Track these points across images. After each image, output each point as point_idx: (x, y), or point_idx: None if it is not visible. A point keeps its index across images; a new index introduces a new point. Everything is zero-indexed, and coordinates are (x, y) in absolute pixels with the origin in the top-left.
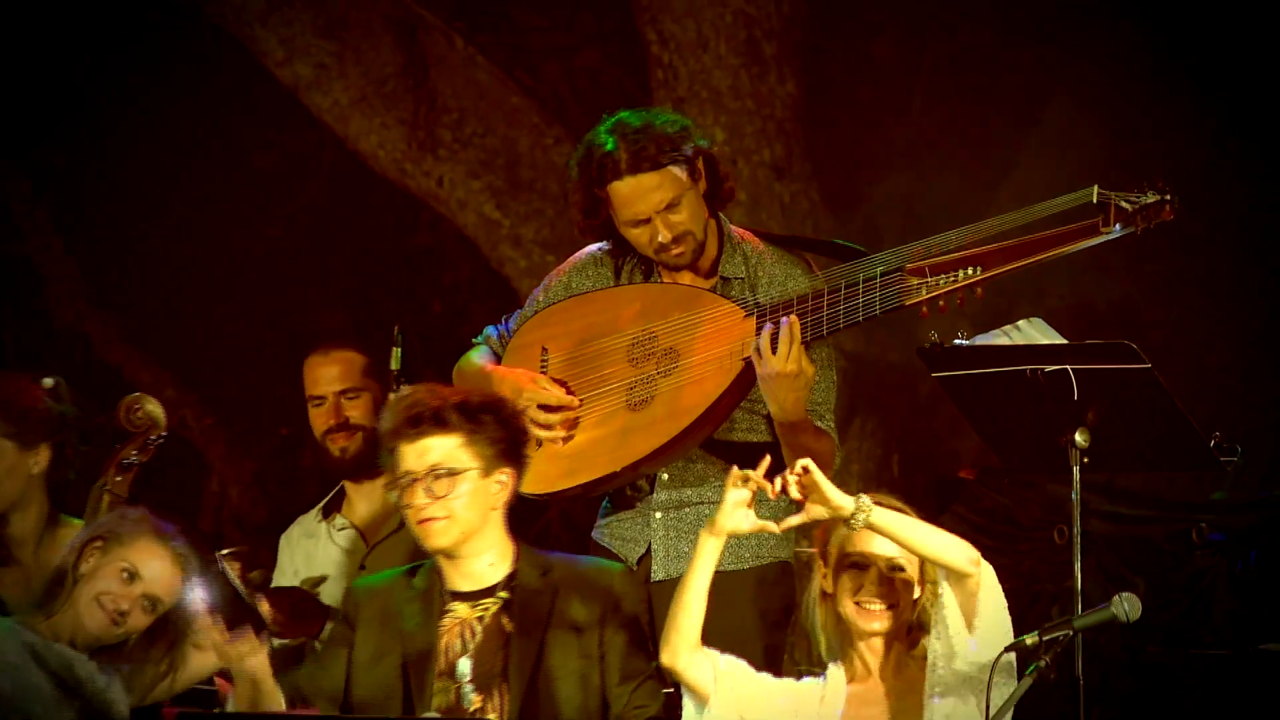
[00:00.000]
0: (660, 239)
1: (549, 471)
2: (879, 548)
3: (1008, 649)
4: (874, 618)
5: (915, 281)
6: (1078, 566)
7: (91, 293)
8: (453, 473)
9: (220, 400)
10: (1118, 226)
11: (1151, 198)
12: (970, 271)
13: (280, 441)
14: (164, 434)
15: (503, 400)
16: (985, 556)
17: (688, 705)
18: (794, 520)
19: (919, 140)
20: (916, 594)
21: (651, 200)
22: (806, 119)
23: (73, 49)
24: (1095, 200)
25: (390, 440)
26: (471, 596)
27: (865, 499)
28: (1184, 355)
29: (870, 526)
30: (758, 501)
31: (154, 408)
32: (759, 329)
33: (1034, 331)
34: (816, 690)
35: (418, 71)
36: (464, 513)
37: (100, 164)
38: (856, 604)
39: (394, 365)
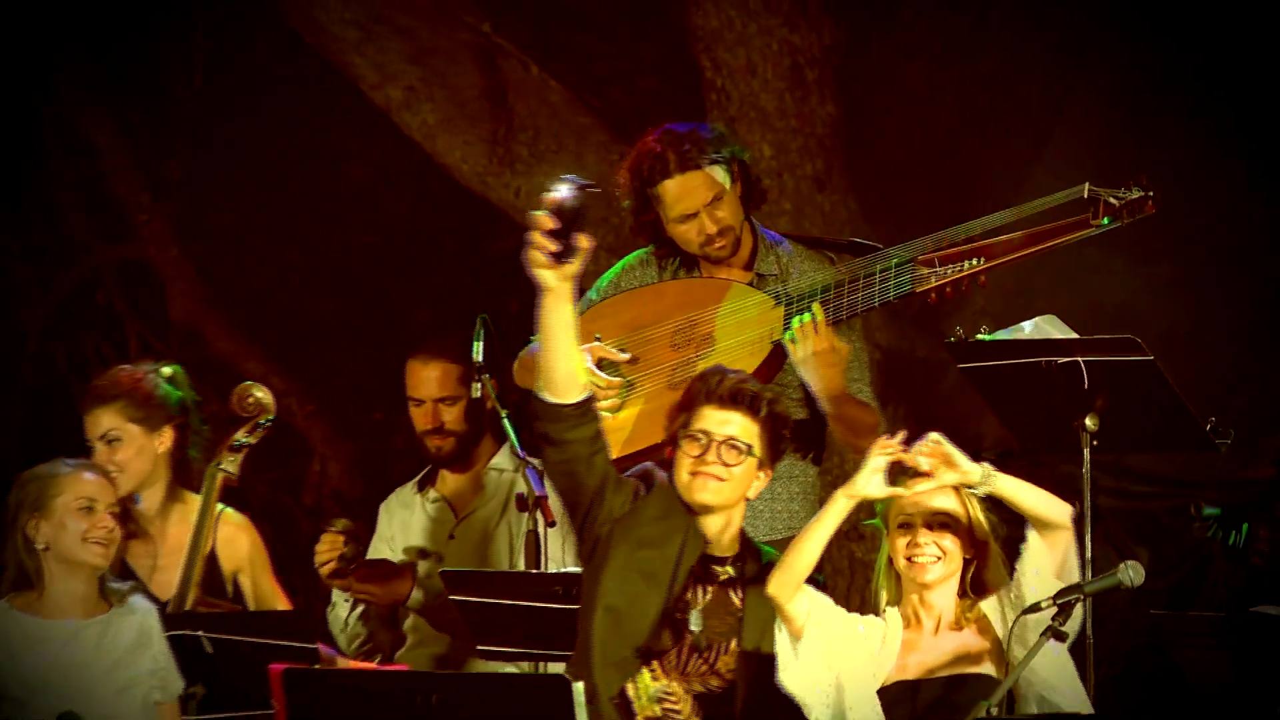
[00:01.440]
0: (707, 231)
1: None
2: (924, 508)
3: (1024, 612)
4: (924, 570)
5: (925, 271)
6: (1088, 537)
7: (206, 293)
8: (742, 451)
9: (322, 388)
10: (1106, 219)
11: (1135, 193)
12: (975, 262)
13: (375, 425)
14: (272, 418)
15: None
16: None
17: (782, 641)
18: (925, 485)
19: (945, 155)
20: (968, 554)
21: (698, 197)
22: (845, 136)
23: (187, 73)
24: (1086, 195)
25: (701, 399)
26: (712, 560)
27: (989, 466)
28: (1182, 348)
29: (993, 491)
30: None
31: (263, 395)
32: (787, 317)
33: (1048, 327)
34: (880, 629)
35: (497, 94)
36: (734, 487)
37: (213, 177)
38: (908, 559)
39: (475, 357)
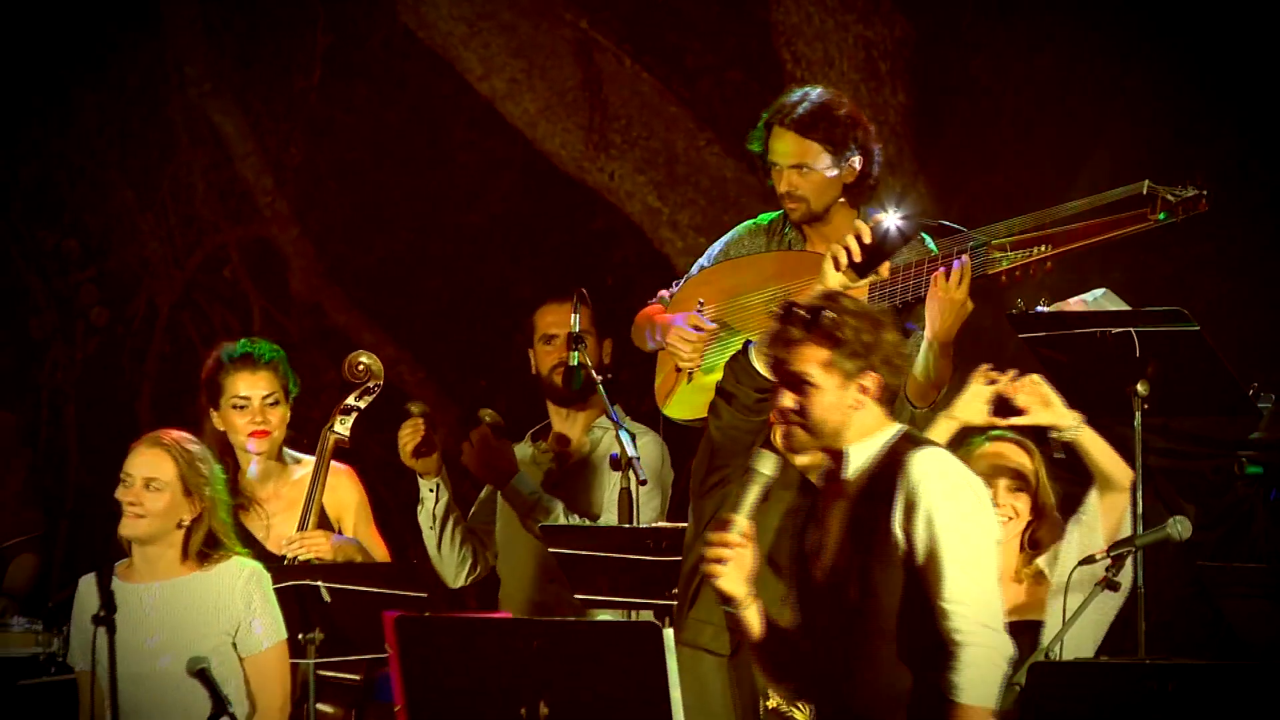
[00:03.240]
0: (779, 188)
1: (697, 401)
2: (1004, 471)
3: (1081, 563)
4: (1001, 527)
5: (999, 255)
6: (1139, 494)
7: (324, 269)
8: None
9: (430, 356)
10: (1163, 214)
11: (1190, 192)
12: (1042, 249)
13: (479, 391)
14: (381, 384)
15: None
16: (1063, 488)
17: None
18: (1019, 420)
19: (1008, 141)
20: (1033, 515)
21: (788, 156)
22: (914, 124)
23: (307, 67)
24: (1145, 192)
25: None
26: None
27: (1081, 416)
28: (1226, 319)
29: (1077, 440)
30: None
31: (372, 362)
32: (871, 296)
33: (1103, 300)
34: None
35: (593, 85)
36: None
37: (331, 162)
38: None
39: (573, 328)
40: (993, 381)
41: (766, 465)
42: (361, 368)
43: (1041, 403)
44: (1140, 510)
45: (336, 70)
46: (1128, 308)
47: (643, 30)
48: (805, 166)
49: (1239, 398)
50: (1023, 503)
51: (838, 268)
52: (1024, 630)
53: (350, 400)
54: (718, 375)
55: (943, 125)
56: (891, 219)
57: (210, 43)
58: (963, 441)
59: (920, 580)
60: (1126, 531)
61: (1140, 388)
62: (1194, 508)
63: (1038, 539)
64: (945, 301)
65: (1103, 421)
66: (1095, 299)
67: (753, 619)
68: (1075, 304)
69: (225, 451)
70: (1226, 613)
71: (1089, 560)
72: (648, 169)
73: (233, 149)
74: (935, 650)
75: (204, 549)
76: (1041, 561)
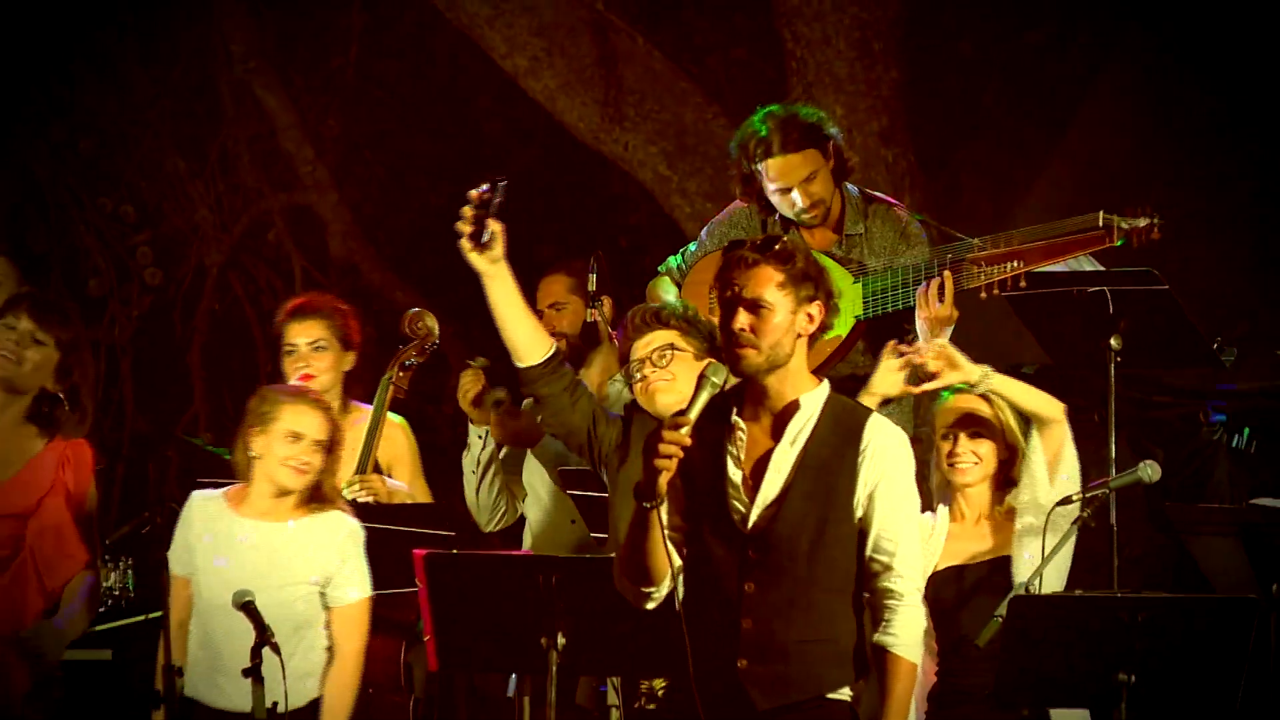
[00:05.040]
0: (800, 205)
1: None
2: (963, 418)
3: (1059, 503)
4: (962, 473)
5: (975, 270)
6: (1112, 440)
7: (361, 232)
8: (670, 355)
9: (460, 314)
10: (1119, 241)
11: (1142, 221)
12: (1014, 265)
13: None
14: (437, 342)
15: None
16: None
17: None
18: (930, 385)
19: (991, 116)
20: (1003, 456)
21: (796, 175)
22: (906, 99)
23: (344, 45)
24: (1100, 224)
25: (626, 337)
26: None
27: (988, 368)
28: (1193, 280)
29: (990, 389)
30: None
31: (432, 321)
32: (865, 294)
33: (1080, 261)
34: (929, 522)
35: (609, 62)
36: (683, 375)
37: (366, 133)
38: (949, 464)
39: (590, 287)
40: (902, 354)
41: (719, 374)
42: (421, 325)
43: (949, 365)
44: (1114, 455)
45: (371, 48)
46: (1102, 269)
47: (654, 11)
48: (813, 174)
49: (1204, 351)
50: (985, 448)
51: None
52: (996, 568)
53: (411, 356)
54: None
55: (932, 99)
56: (482, 188)
57: (255, 23)
58: (933, 400)
59: (865, 540)
60: (1068, 460)
61: (1114, 342)
62: (1162, 452)
63: (1013, 477)
64: (932, 320)
65: (1079, 373)
66: (1073, 260)
67: (656, 523)
68: (1055, 266)
69: None
70: (1191, 550)
71: (1066, 501)
72: (659, 140)
73: (276, 121)
74: (875, 607)
75: (317, 500)
76: (1011, 498)
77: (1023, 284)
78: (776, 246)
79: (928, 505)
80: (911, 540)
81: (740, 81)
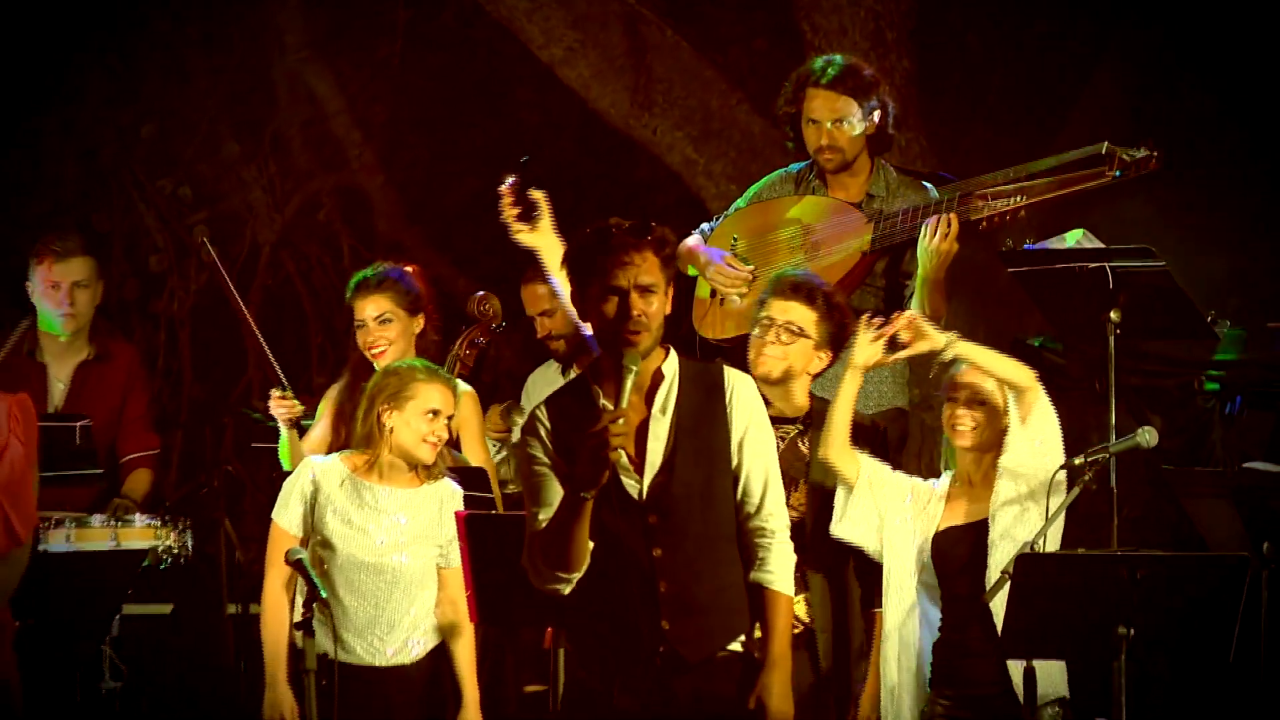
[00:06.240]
0: (822, 141)
1: (725, 324)
2: (964, 386)
3: (1061, 468)
4: (961, 436)
5: (980, 204)
6: (1112, 407)
7: (405, 212)
8: (798, 334)
9: (497, 288)
10: (1117, 172)
11: (1142, 152)
12: (1017, 199)
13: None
14: (503, 324)
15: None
16: None
17: (839, 495)
18: (903, 354)
19: (998, 104)
20: (1002, 426)
21: (828, 112)
22: (918, 86)
23: (390, 35)
24: (1104, 151)
25: (772, 291)
26: (783, 420)
27: (954, 335)
28: (1189, 257)
29: (958, 355)
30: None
31: (497, 303)
32: (874, 233)
33: (1082, 239)
34: (930, 488)
35: (639, 53)
36: (795, 359)
37: (411, 118)
38: (951, 428)
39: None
40: (877, 326)
41: (636, 362)
42: (489, 307)
43: (918, 334)
44: (1114, 421)
45: (415, 40)
46: (1103, 245)
47: (682, 5)
48: (841, 120)
49: (1199, 324)
50: (980, 413)
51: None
52: (973, 531)
53: (479, 336)
54: (749, 300)
55: (942, 88)
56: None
57: (307, 15)
58: (946, 370)
59: (736, 484)
60: (1038, 423)
61: (1113, 315)
62: (1160, 419)
63: (1005, 442)
64: (932, 251)
65: (1080, 346)
66: (1075, 238)
67: (587, 512)
68: (1058, 242)
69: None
70: (1187, 510)
71: (1068, 465)
72: (686, 125)
73: (326, 108)
74: (749, 547)
75: (433, 469)
76: (1006, 462)
77: (1022, 214)
78: (655, 231)
79: (934, 472)
80: (776, 478)
81: (762, 70)
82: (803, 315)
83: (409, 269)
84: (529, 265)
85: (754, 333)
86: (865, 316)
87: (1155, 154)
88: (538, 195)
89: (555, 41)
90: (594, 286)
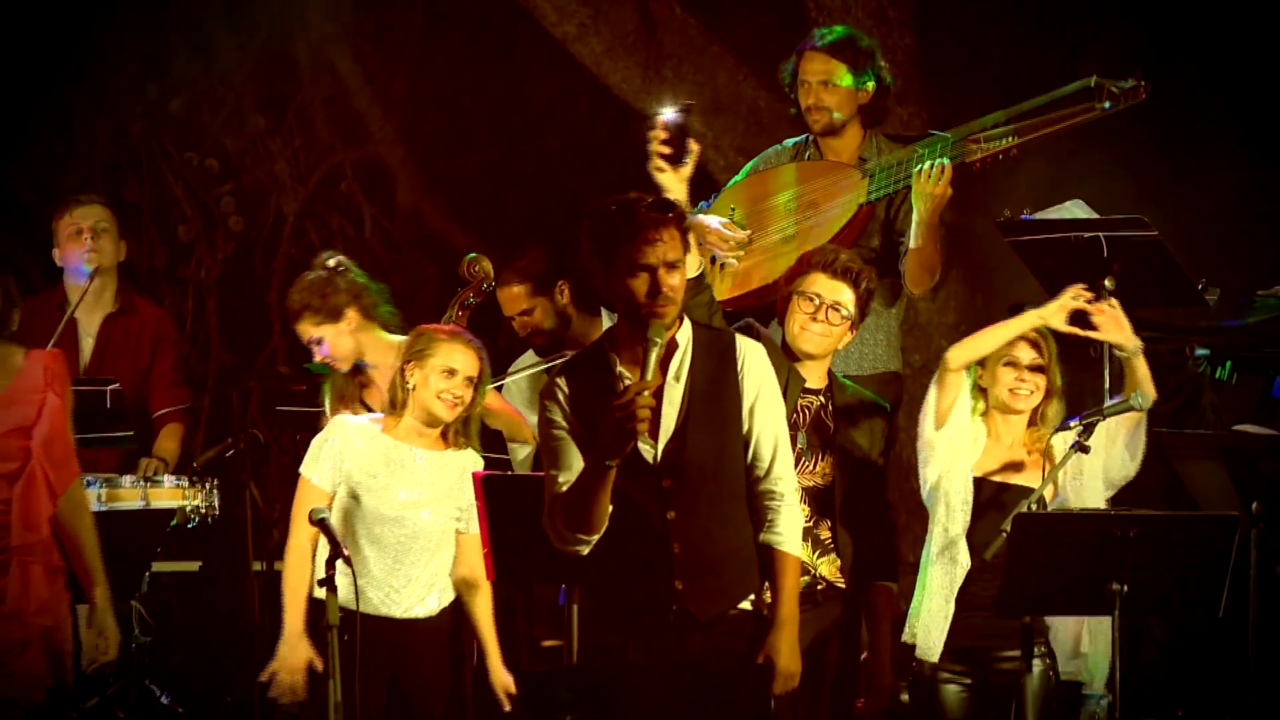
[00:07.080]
0: (809, 100)
1: (725, 286)
2: (1025, 356)
3: (1058, 429)
4: (1023, 399)
5: (973, 147)
6: (1106, 372)
7: (424, 183)
8: (845, 317)
9: (513, 256)
10: (1107, 103)
11: (1129, 83)
12: (1008, 139)
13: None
14: (494, 284)
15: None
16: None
17: (926, 420)
18: (1091, 334)
19: (999, 78)
20: (1042, 394)
21: (816, 73)
22: (919, 62)
23: (409, 14)
24: (1093, 84)
25: (814, 267)
26: (809, 392)
27: (1140, 344)
28: (1180, 229)
29: (1128, 361)
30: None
31: (487, 265)
32: (869, 185)
33: (1077, 209)
34: (974, 431)
35: (649, 30)
36: (833, 341)
37: (430, 93)
38: (1011, 390)
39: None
40: (1086, 299)
41: (660, 334)
42: (478, 269)
43: (1115, 325)
44: (1108, 385)
45: (434, 17)
46: (1097, 215)
47: None
48: (830, 83)
49: (1190, 291)
50: (1043, 381)
51: (663, 170)
52: (1019, 494)
53: (470, 297)
54: (747, 261)
55: (942, 65)
56: (669, 113)
57: None
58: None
59: (747, 448)
60: (1141, 440)
61: (1107, 283)
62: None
63: (1045, 413)
64: (927, 195)
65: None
66: (1070, 208)
67: (611, 478)
68: (1053, 212)
69: None
70: (1179, 471)
71: (1064, 428)
72: (694, 99)
73: (348, 83)
74: (758, 509)
75: (464, 435)
76: (1056, 440)
77: (1014, 152)
78: (676, 209)
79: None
80: (785, 442)
81: (768, 47)
82: (849, 298)
83: (330, 262)
84: (503, 270)
85: (796, 303)
86: (1078, 285)
87: (1143, 84)
88: (695, 148)
89: (568, 19)
90: (620, 262)
